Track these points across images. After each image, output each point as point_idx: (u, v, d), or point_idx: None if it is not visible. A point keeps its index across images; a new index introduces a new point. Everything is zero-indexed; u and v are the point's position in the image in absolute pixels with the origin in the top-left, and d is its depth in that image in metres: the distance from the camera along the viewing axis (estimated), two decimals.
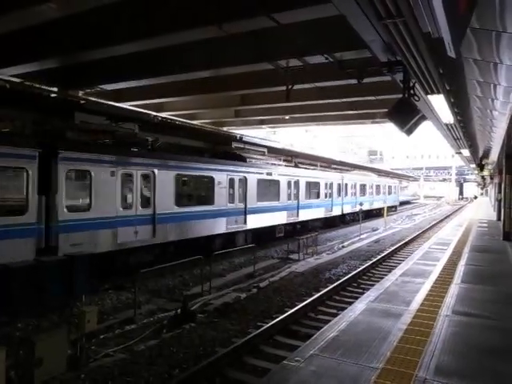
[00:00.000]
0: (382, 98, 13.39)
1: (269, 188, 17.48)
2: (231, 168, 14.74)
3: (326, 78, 11.44)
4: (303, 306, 8.51)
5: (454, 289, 7.21)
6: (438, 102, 6.04)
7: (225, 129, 20.69)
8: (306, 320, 8.11)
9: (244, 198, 15.42)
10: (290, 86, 11.69)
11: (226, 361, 6.04)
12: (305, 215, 20.44)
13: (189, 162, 12.91)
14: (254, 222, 16.01)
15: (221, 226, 14.14)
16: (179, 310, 7.82)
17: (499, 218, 19.27)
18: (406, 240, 19.08)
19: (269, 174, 17.20)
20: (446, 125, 9.16)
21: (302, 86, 12.37)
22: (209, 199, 13.74)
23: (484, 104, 8.01)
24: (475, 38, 4.49)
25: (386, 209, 28.19)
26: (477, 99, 7.77)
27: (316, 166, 28.71)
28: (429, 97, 5.69)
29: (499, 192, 19.72)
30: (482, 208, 36.35)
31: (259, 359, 6.29)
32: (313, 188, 21.74)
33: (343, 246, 17.53)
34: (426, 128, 14.01)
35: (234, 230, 14.85)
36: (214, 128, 18.82)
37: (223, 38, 9.35)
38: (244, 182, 15.44)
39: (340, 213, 25.80)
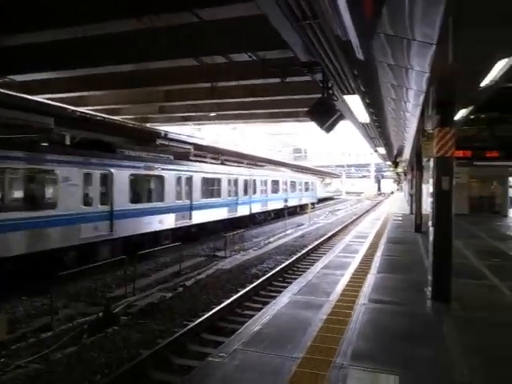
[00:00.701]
0: (306, 97, 13.83)
1: (149, 185, 14.48)
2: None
3: (251, 76, 11.57)
4: (230, 303, 8.57)
5: (370, 279, 7.66)
6: (354, 103, 6.38)
7: (148, 125, 20.17)
8: (233, 316, 8.18)
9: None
10: (214, 83, 11.67)
11: (150, 362, 5.92)
12: (201, 217, 17.37)
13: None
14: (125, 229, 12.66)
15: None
16: (101, 314, 7.52)
17: (412, 212, 20.78)
18: (329, 234, 19.90)
19: (147, 167, 13.74)
20: (363, 124, 9.71)
21: (227, 84, 12.41)
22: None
23: (398, 106, 8.59)
24: (389, 44, 4.80)
25: (309, 205, 29.18)
26: (391, 101, 8.31)
27: (229, 161, 26.01)
28: (345, 97, 6.00)
29: (411, 187, 21.28)
30: (398, 202, 38.97)
31: (185, 358, 6.24)
32: (212, 185, 19.01)
33: (269, 242, 17.89)
34: (348, 126, 14.74)
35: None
36: (137, 124, 18.27)
37: (148, 31, 9.11)
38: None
39: (248, 212, 23.05)
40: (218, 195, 19.60)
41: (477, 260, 9.77)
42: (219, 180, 19.71)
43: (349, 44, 3.01)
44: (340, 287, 6.99)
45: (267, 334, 4.84)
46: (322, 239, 18.10)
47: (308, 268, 10.06)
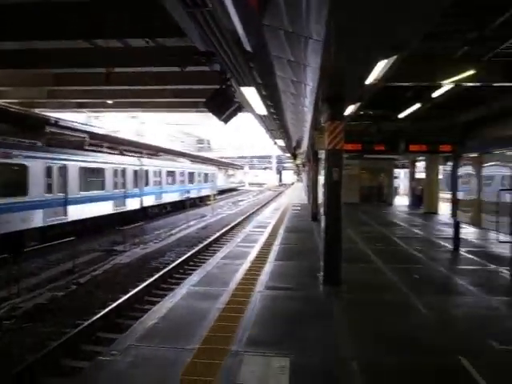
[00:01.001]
0: (207, 88, 13.70)
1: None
2: None
3: (149, 63, 11.15)
4: (128, 298, 8.27)
5: (268, 267, 7.91)
6: (251, 95, 6.49)
7: (37, 111, 18.49)
8: (132, 312, 7.91)
9: None
10: (110, 69, 11.05)
11: (38, 368, 5.48)
12: (79, 213, 15.48)
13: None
14: None
15: None
16: None
17: (310, 202, 21.88)
18: (232, 225, 20.16)
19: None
20: (261, 116, 9.94)
21: (123, 70, 11.82)
22: None
23: (297, 100, 8.92)
24: (288, 42, 4.93)
25: (212, 196, 29.22)
26: (290, 95, 8.60)
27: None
28: (242, 88, 6.07)
29: (309, 178, 22.39)
30: (297, 193, 40.71)
31: (78, 359, 5.89)
32: (94, 176, 17.05)
33: (171, 234, 17.59)
34: (251, 118, 14.93)
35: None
36: (22, 109, 16.65)
37: (35, 6, 8.28)
38: None
39: (138, 206, 21.16)
40: (102, 187, 17.70)
41: (364, 245, 10.60)
42: (103, 170, 17.82)
43: (236, 34, 3.03)
44: (239, 276, 7.11)
45: (163, 327, 4.76)
46: (224, 230, 18.27)
47: (209, 259, 10.08)
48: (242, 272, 7.43)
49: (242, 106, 7.12)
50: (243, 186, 74.45)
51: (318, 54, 4.80)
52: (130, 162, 20.66)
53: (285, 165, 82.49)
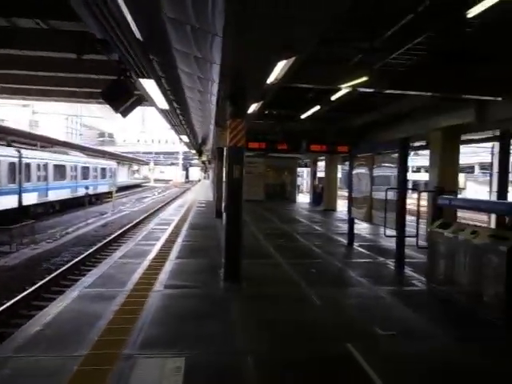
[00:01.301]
0: (107, 78, 12.95)
1: None
2: None
3: (40, 48, 10.22)
4: (11, 305, 7.53)
5: (168, 265, 7.72)
6: (151, 87, 6.25)
7: None
8: (16, 319, 7.21)
9: None
10: None
11: None
12: None
13: None
14: None
15: None
16: None
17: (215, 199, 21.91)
18: (134, 222, 19.44)
19: None
20: (163, 111, 9.67)
21: (8, 52, 10.70)
22: None
23: (204, 97, 8.77)
24: (194, 38, 4.79)
25: (113, 193, 27.91)
26: (195, 91, 8.42)
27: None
28: (141, 80, 5.82)
29: (214, 175, 22.39)
30: (204, 190, 40.55)
31: None
32: None
33: (67, 233, 16.45)
34: (155, 112, 14.42)
35: None
36: None
37: None
38: None
39: (16, 205, 18.23)
40: None
41: (266, 241, 10.86)
42: None
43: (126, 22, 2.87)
44: (137, 276, 6.83)
45: (48, 334, 4.37)
46: (126, 228, 17.56)
47: (106, 258, 9.57)
48: (140, 271, 7.15)
49: (142, 99, 6.84)
50: (148, 182, 72.28)
51: (218, 49, 4.77)
52: (3, 154, 17.80)
53: (192, 161, 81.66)
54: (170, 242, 10.32)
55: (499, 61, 8.51)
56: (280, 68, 5.41)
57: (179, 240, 10.63)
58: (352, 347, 4.24)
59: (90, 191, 27.92)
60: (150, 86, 6.10)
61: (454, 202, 6.76)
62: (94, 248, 12.93)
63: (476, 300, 5.58)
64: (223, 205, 8.72)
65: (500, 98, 8.50)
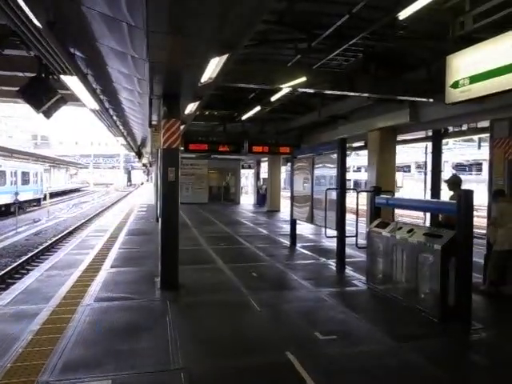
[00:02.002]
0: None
1: None
2: None
3: None
4: None
5: (102, 275, 7.23)
6: (74, 85, 5.77)
7: None
8: None
9: None
10: None
11: None
12: None
13: None
14: None
15: None
16: None
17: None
18: (70, 229, 18.41)
19: None
20: (95, 111, 9.11)
21: None
22: None
23: (141, 97, 8.32)
24: (119, 32, 4.41)
25: (48, 196, 26.33)
26: (133, 91, 7.96)
27: None
28: (62, 77, 5.34)
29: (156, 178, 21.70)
30: (147, 193, 39.39)
31: None
32: None
33: None
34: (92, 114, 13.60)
35: None
36: None
37: None
38: None
39: None
40: None
41: (208, 245, 10.57)
42: None
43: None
44: (65, 289, 6.30)
45: None
46: (60, 236, 16.54)
47: (33, 270, 8.85)
48: (69, 284, 6.62)
49: (67, 98, 6.33)
50: (87, 186, 69.29)
51: (145, 46, 4.45)
52: None
53: (134, 164, 79.28)
54: (106, 249, 9.75)
55: (429, 65, 8.81)
56: (213, 66, 5.17)
57: (116, 247, 10.08)
58: (291, 355, 4.09)
59: (8, 199, 23.69)
60: (73, 83, 5.62)
61: (390, 202, 6.84)
62: (24, 258, 12.00)
63: (413, 298, 5.64)
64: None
65: (431, 100, 8.79)
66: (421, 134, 13.94)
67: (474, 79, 5.00)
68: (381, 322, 5.22)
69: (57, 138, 77.58)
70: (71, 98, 9.09)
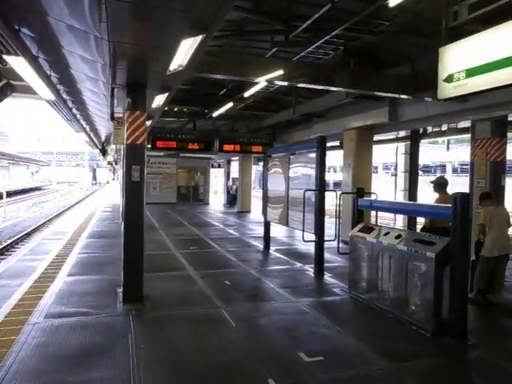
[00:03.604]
0: None
1: None
2: None
3: None
4: None
5: (57, 285, 6.45)
6: (22, 68, 4.99)
7: None
8: None
9: None
10: None
11: None
12: None
13: None
14: None
15: None
16: None
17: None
18: (26, 231, 17.24)
19: None
20: (50, 102, 8.26)
21: None
22: None
23: (98, 88, 7.55)
24: (75, 7, 3.72)
25: (4, 195, 24.83)
26: (88, 80, 7.19)
27: None
28: (6, 57, 4.56)
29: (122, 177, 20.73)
30: (111, 193, 37.98)
31: None
32: None
33: None
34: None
35: None
36: None
37: None
38: None
39: None
40: None
41: (177, 249, 9.88)
42: None
43: None
44: (11, 303, 5.50)
45: None
46: (16, 238, 15.38)
47: None
48: (17, 297, 5.80)
49: (13, 86, 5.53)
50: (50, 184, 66.63)
51: (105, 25, 3.78)
52: None
53: (99, 162, 76.86)
54: (64, 255, 8.91)
55: (413, 60, 8.46)
56: (185, 50, 4.53)
57: (75, 252, 9.24)
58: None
59: None
60: (19, 66, 4.84)
61: (375, 204, 6.39)
62: None
63: (402, 310, 5.19)
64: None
65: (411, 97, 8.41)
66: (392, 135, 13.71)
67: (471, 72, 4.58)
68: (369, 337, 4.73)
69: (17, 134, 74.23)
70: (28, 90, 8.23)
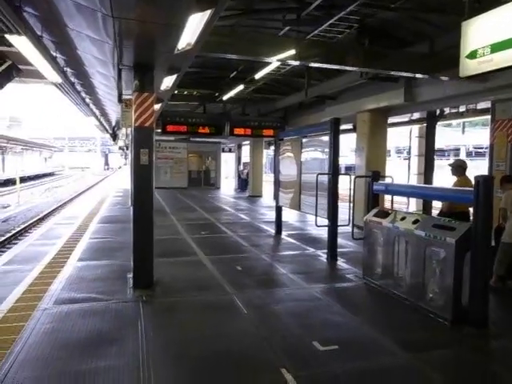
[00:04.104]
0: None
1: None
2: None
3: None
4: None
5: (67, 270, 6.40)
6: (25, 48, 4.82)
7: None
8: None
9: None
10: None
11: None
12: None
13: None
14: None
15: None
16: None
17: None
18: (41, 215, 17.37)
19: None
20: (57, 85, 8.11)
21: None
22: None
23: (108, 70, 7.38)
24: None
25: (18, 180, 25.03)
26: (96, 62, 7.02)
27: None
28: (8, 37, 4.40)
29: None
30: (123, 178, 38.09)
31: None
32: None
33: None
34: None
35: None
36: None
37: None
38: None
39: None
40: None
41: (188, 234, 9.80)
42: None
43: None
44: (21, 289, 5.45)
45: None
46: (29, 223, 15.49)
47: None
48: (27, 282, 5.76)
49: (18, 68, 5.39)
50: (62, 170, 67.15)
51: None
52: None
53: (111, 147, 77.08)
54: (75, 239, 8.88)
55: (429, 38, 8.13)
56: (193, 27, 4.32)
57: (86, 237, 9.21)
58: (288, 374, 3.40)
59: None
60: (23, 46, 4.68)
61: (391, 188, 6.17)
62: None
63: (419, 297, 5.02)
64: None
65: (427, 76, 8.08)
66: (407, 118, 13.33)
67: (497, 47, 4.31)
68: (384, 325, 4.58)
69: (30, 120, 74.63)
70: (36, 75, 8.08)
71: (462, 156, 43.19)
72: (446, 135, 38.48)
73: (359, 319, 4.75)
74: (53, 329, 4.24)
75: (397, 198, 7.83)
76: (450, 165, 6.36)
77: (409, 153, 20.29)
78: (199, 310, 4.95)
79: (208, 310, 4.95)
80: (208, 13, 3.98)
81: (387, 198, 8.67)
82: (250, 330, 4.40)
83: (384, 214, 5.90)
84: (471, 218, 6.29)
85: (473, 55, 4.62)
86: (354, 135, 13.09)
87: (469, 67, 4.69)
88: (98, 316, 4.63)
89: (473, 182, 4.52)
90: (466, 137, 39.76)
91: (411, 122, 13.28)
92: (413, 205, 16.17)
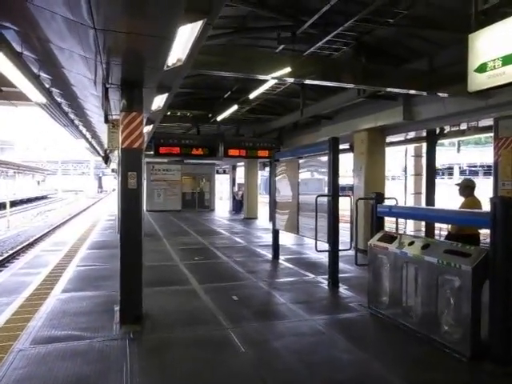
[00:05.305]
0: None
1: None
2: None
3: None
4: None
5: (49, 303, 5.92)
6: (4, 67, 4.48)
7: None
8: None
9: None
10: None
11: None
12: None
13: None
14: None
15: None
16: None
17: None
18: (30, 241, 16.83)
19: None
20: (41, 105, 7.77)
21: None
22: None
23: (98, 90, 7.08)
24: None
25: (8, 204, 24.49)
26: (86, 80, 6.71)
27: None
28: None
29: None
30: (117, 201, 37.56)
31: None
32: None
33: None
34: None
35: None
36: None
37: None
38: None
39: None
40: None
41: (181, 260, 9.32)
42: None
43: None
44: None
45: None
46: (17, 249, 14.95)
47: None
48: (3, 318, 5.25)
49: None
50: (55, 193, 66.46)
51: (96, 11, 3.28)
52: None
53: (105, 170, 76.64)
54: (61, 267, 8.39)
55: (427, 55, 7.93)
56: (184, 40, 4.02)
57: (73, 264, 8.73)
58: None
59: None
60: (0, 63, 4.34)
61: (395, 210, 5.81)
62: None
63: (432, 330, 4.59)
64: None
65: (425, 93, 7.83)
66: (402, 137, 13.11)
67: (510, 59, 4.03)
68: (395, 362, 4.14)
69: (22, 143, 74.18)
70: (22, 97, 7.74)
71: (456, 174, 43.23)
72: (440, 154, 38.52)
73: (366, 355, 4.31)
74: (26, 375, 3.76)
75: (391, 219, 7.47)
76: (457, 184, 6.03)
77: (405, 172, 20.11)
78: (192, 348, 4.48)
79: (201, 347, 4.49)
80: (199, 24, 3.68)
81: (388, 219, 8.32)
82: (248, 371, 3.94)
83: (389, 238, 5.53)
84: (481, 240, 5.94)
85: (482, 69, 4.32)
86: (350, 155, 12.84)
87: (478, 81, 4.39)
88: (79, 358, 4.16)
89: (483, 203, 4.17)
90: (459, 155, 39.86)
91: (410, 140, 13.07)
92: (410, 225, 15.84)
